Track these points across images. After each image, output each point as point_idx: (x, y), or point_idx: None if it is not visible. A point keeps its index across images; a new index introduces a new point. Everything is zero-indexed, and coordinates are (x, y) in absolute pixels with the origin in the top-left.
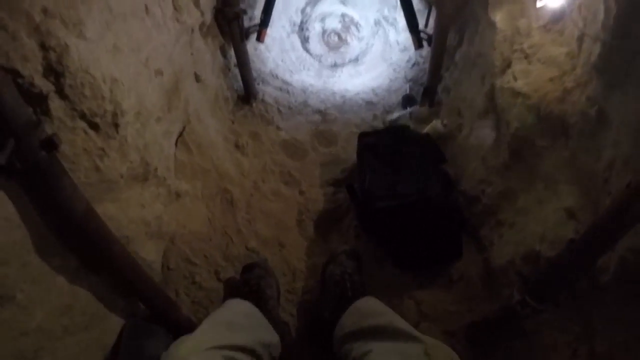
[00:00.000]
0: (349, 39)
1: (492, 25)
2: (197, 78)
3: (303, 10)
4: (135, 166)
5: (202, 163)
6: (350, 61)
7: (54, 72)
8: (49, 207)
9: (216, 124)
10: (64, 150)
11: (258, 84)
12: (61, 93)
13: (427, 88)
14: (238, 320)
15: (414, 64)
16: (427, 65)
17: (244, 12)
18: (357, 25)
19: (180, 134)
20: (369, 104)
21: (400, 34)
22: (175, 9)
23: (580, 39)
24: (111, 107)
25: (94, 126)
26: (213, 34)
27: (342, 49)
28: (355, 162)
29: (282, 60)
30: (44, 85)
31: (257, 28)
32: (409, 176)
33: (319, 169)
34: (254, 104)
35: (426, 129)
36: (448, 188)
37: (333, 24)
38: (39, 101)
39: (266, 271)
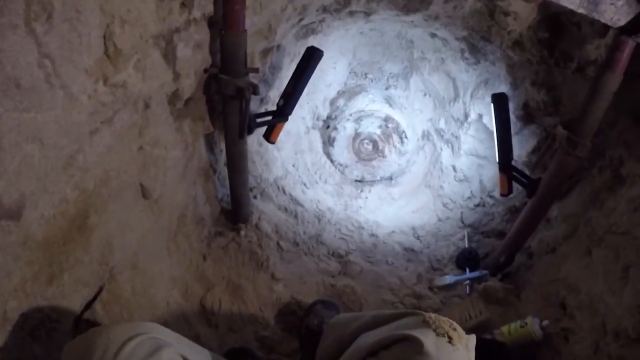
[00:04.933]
0: (387, 151)
1: None
2: (145, 193)
3: (333, 102)
4: None
5: None
6: (382, 179)
7: None
8: None
9: (173, 266)
10: None
11: (255, 196)
12: None
13: (511, 253)
14: None
15: (478, 204)
16: (499, 210)
17: (255, 88)
18: (402, 135)
19: (91, 303)
20: (409, 251)
21: (460, 157)
22: (107, 56)
23: None
24: None
25: None
26: (196, 113)
27: (374, 162)
28: None
29: (293, 166)
30: None
31: (270, 120)
32: None
33: None
34: (242, 232)
35: (507, 330)
36: None
37: (371, 127)
38: None
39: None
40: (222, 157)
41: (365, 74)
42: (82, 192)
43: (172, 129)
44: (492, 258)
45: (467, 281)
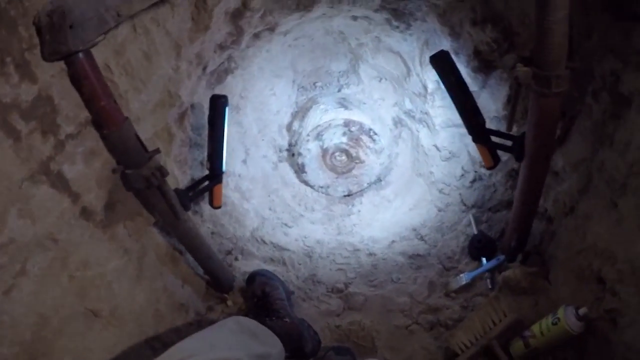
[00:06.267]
0: (362, 154)
1: None
2: (96, 314)
3: (289, 127)
4: None
5: None
6: (370, 184)
7: None
8: None
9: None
10: None
11: (236, 258)
12: None
13: (520, 234)
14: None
15: (474, 180)
16: (498, 178)
17: (161, 171)
18: (369, 133)
19: None
20: (416, 258)
21: (438, 133)
22: None
23: None
24: None
25: None
26: (128, 213)
27: (354, 171)
28: None
29: (270, 209)
30: None
31: (206, 186)
32: None
33: None
34: (229, 302)
35: (539, 329)
36: None
37: (335, 138)
38: None
39: (267, 277)
40: None
41: (314, 84)
42: (20, 344)
43: (102, 241)
44: (505, 242)
45: (486, 274)
